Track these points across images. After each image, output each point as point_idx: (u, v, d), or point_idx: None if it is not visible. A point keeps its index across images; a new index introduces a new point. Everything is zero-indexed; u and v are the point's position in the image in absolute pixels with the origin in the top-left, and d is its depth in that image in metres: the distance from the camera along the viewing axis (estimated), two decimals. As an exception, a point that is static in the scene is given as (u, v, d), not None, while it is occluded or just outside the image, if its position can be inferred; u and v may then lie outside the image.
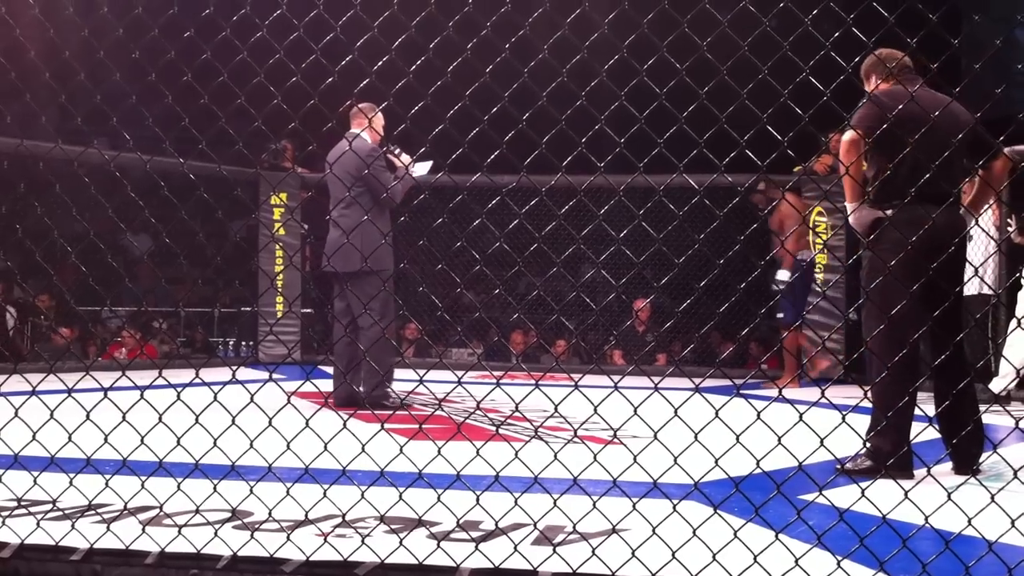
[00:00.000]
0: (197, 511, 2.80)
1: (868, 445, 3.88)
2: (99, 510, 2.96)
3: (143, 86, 2.83)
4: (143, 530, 2.64)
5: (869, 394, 3.74)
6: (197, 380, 2.79)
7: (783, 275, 8.35)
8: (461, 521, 2.76)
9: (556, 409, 2.55)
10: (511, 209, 2.93)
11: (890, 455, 3.73)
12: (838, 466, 3.80)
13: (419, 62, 2.63)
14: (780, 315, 8.56)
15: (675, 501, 2.51)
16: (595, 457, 2.56)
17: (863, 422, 4.01)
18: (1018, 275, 7.00)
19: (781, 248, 8.17)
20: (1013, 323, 7.11)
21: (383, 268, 6.03)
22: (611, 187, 2.83)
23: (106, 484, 2.85)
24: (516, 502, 2.59)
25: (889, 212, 3.86)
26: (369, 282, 5.88)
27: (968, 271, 4.60)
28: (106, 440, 2.74)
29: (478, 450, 2.64)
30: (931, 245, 3.36)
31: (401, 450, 2.69)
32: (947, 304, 3.31)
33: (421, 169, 6.37)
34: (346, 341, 6.19)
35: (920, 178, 3.46)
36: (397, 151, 6.29)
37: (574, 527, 2.64)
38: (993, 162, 4.06)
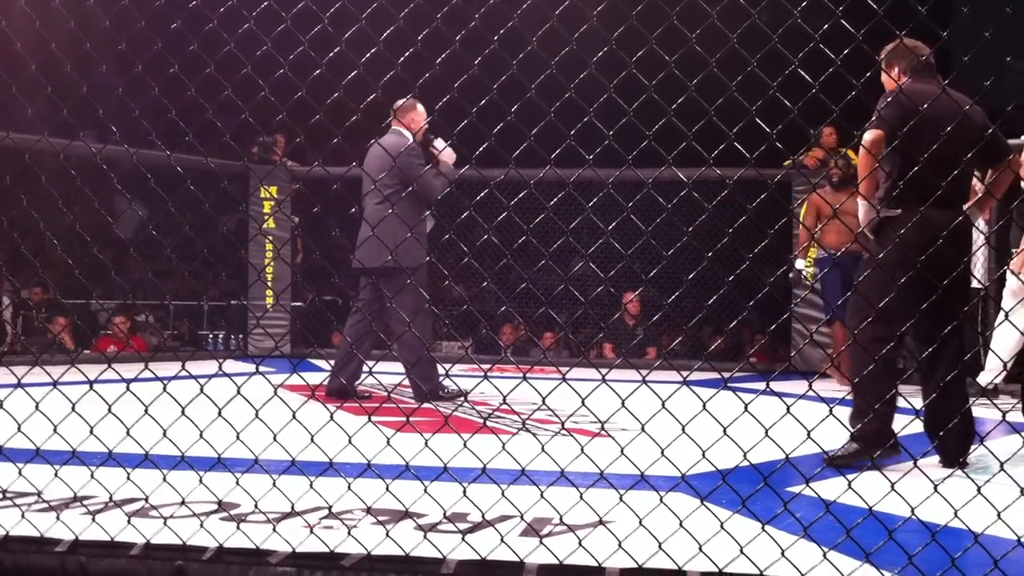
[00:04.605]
0: (183, 503, 2.80)
1: (852, 431, 3.92)
2: (84, 502, 2.95)
3: (130, 78, 2.82)
4: (128, 522, 2.63)
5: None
6: (183, 373, 2.78)
7: (800, 264, 8.18)
8: (448, 513, 2.75)
9: (544, 402, 2.54)
10: (500, 202, 2.93)
11: (874, 435, 3.81)
12: (825, 458, 3.82)
13: (407, 54, 2.62)
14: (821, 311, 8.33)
15: (662, 493, 2.52)
16: (582, 449, 2.56)
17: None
18: (1005, 269, 7.02)
19: (810, 240, 8.05)
20: (1000, 316, 7.14)
21: (416, 264, 5.86)
22: (600, 180, 2.82)
23: (91, 476, 2.84)
24: (503, 494, 2.59)
25: (898, 212, 3.87)
26: (401, 279, 5.70)
27: (973, 271, 4.58)
28: (91, 432, 2.73)
29: (465, 442, 2.64)
30: (933, 246, 3.32)
31: (388, 442, 2.69)
32: (942, 302, 3.28)
33: (439, 144, 6.16)
34: (352, 333, 6.11)
35: (932, 180, 3.45)
36: (436, 142, 6.08)
37: (561, 519, 2.64)
38: (1001, 166, 4.05)
